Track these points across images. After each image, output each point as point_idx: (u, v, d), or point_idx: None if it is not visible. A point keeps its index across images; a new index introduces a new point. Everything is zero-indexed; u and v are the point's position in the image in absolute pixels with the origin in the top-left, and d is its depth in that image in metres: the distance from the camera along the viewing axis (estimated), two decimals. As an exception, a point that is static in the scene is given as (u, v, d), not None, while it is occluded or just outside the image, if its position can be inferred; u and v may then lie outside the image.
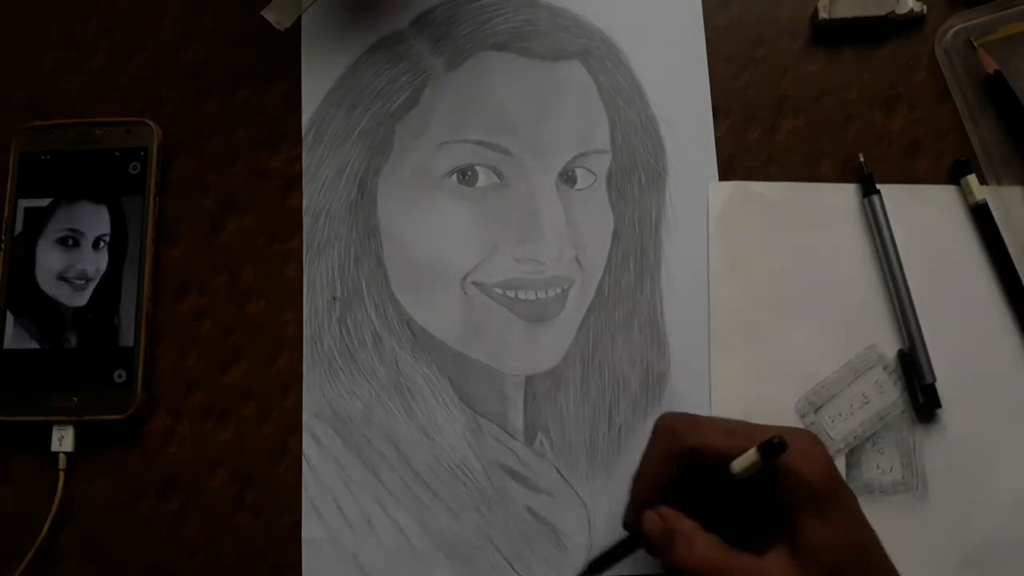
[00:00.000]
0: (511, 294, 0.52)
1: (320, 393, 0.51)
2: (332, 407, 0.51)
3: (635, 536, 0.45)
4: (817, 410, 0.50)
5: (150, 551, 0.50)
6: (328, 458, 0.50)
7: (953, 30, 0.53)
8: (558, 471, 0.50)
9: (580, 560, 0.49)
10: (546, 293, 0.52)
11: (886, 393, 0.50)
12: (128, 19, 0.56)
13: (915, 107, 0.54)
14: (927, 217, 0.52)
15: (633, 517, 0.44)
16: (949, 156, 0.53)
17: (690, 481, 0.43)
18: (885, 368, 0.51)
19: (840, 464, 0.50)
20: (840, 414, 0.50)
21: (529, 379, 0.51)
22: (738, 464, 0.41)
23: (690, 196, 0.53)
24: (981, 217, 0.51)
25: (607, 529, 0.49)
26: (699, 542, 0.41)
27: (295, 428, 0.51)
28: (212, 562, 0.50)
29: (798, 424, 0.50)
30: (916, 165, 0.53)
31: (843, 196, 0.53)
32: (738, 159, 0.53)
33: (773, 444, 0.40)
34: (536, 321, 0.51)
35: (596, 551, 0.48)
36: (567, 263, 0.52)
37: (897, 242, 0.51)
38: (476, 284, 0.52)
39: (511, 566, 0.49)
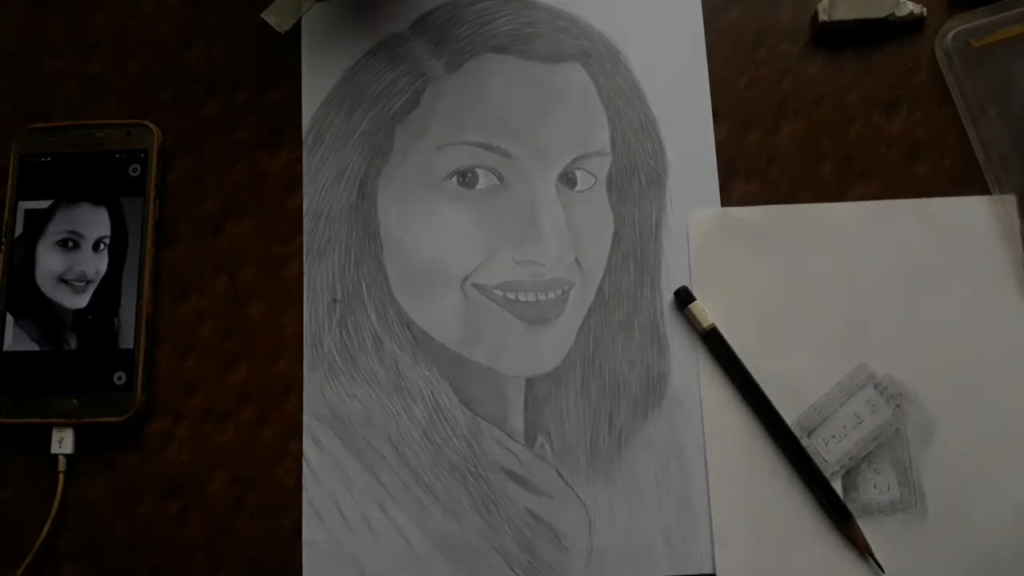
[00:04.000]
0: (511, 296, 0.52)
1: (320, 395, 0.51)
2: (332, 409, 0.51)
3: None
4: (810, 434, 0.50)
5: (150, 553, 0.50)
6: (328, 460, 0.50)
7: (953, 32, 0.53)
8: (559, 473, 0.50)
9: (581, 563, 0.49)
10: (546, 295, 0.52)
11: (878, 412, 0.50)
12: (128, 21, 0.56)
13: (915, 109, 0.54)
14: (918, 231, 0.52)
15: None
16: (949, 158, 0.53)
17: None
18: (876, 386, 0.50)
19: (837, 486, 0.49)
20: (834, 436, 0.50)
21: (529, 381, 0.51)
22: None
23: (690, 198, 0.53)
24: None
25: (608, 531, 0.49)
26: None
27: (295, 430, 0.51)
28: (212, 564, 0.50)
29: None
30: (916, 167, 0.53)
31: (822, 216, 0.52)
32: (738, 161, 0.53)
33: None
34: (536, 323, 0.51)
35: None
36: (567, 265, 0.52)
37: (887, 257, 0.51)
38: (476, 286, 0.52)
39: (511, 568, 0.49)
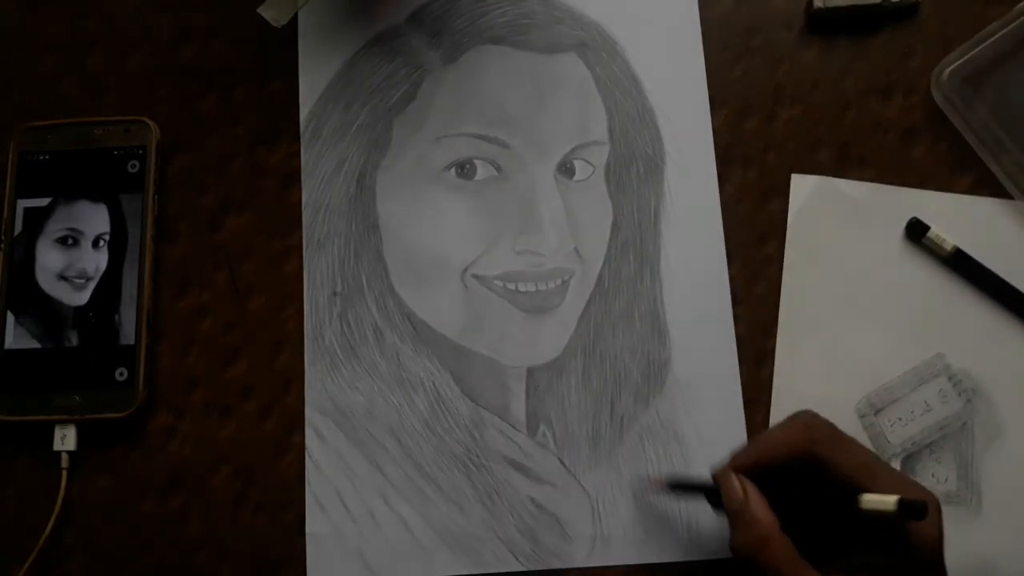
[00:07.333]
0: (511, 286, 0.52)
1: (322, 388, 0.51)
2: (334, 402, 0.51)
3: (715, 490, 0.45)
4: (877, 412, 0.50)
5: (153, 549, 0.50)
6: (331, 453, 0.50)
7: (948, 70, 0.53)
8: (561, 462, 0.50)
9: (585, 551, 0.49)
10: (546, 285, 0.52)
11: (949, 403, 0.50)
12: (125, 18, 0.56)
13: (911, 94, 0.54)
14: (1018, 232, 0.52)
15: (723, 475, 0.44)
16: (945, 142, 0.53)
17: (788, 477, 0.43)
18: (950, 378, 0.50)
19: (896, 468, 0.49)
20: (900, 419, 0.50)
21: (531, 371, 0.51)
22: (871, 503, 0.40)
23: (688, 186, 0.53)
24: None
25: (612, 518, 0.49)
26: (776, 537, 0.41)
27: (297, 423, 0.51)
28: (216, 559, 0.50)
29: (857, 424, 0.50)
30: (912, 152, 0.53)
31: (924, 202, 0.52)
32: (735, 148, 0.54)
33: (916, 508, 0.39)
34: (537, 313, 0.51)
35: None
36: (567, 255, 0.52)
37: (982, 253, 0.51)
38: (476, 277, 0.52)
39: (515, 557, 0.49)
